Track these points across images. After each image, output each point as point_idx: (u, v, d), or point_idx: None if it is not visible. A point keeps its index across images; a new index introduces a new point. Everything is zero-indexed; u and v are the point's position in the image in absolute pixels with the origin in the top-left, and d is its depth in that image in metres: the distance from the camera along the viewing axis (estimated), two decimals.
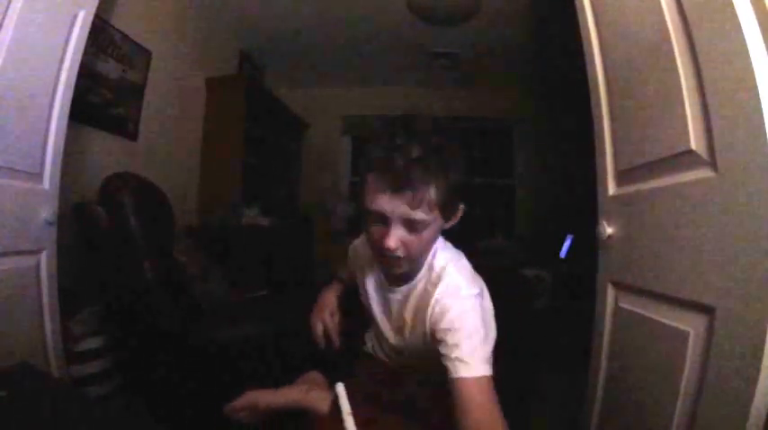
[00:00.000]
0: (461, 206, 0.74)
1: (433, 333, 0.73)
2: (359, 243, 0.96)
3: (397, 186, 0.63)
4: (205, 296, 1.78)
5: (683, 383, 0.69)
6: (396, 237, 0.67)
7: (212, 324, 1.53)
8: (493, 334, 0.72)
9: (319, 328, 0.93)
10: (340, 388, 0.78)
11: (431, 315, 0.74)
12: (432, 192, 0.64)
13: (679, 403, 0.69)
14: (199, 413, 1.22)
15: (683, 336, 0.69)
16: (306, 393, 0.81)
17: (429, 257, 0.79)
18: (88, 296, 1.51)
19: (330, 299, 1.00)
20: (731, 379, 0.59)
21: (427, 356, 0.75)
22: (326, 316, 0.95)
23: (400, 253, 0.69)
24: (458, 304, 0.71)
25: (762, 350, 0.54)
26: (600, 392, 0.99)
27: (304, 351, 0.98)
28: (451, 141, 0.68)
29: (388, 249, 0.67)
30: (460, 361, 0.65)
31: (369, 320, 0.96)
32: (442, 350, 0.68)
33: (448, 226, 0.75)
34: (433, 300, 0.74)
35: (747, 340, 0.57)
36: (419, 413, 0.83)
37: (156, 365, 1.42)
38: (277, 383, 0.87)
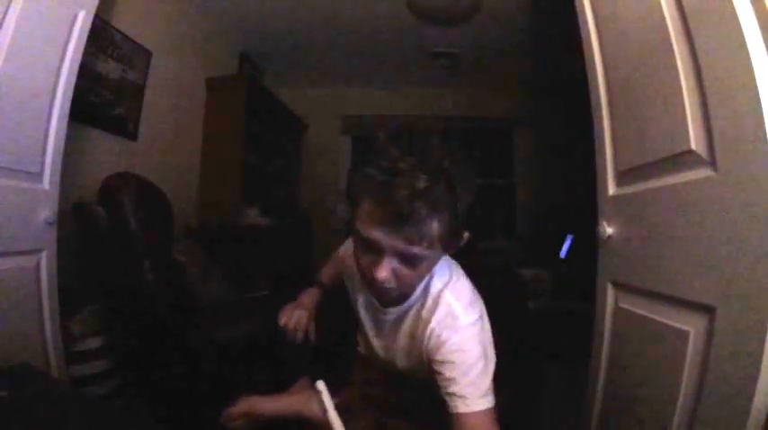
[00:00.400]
0: (466, 234, 0.66)
1: (429, 362, 0.68)
2: (346, 254, 0.88)
3: (398, 221, 0.55)
4: (205, 296, 1.78)
5: (683, 383, 0.69)
6: (388, 269, 0.60)
7: (212, 324, 1.53)
8: (492, 361, 0.67)
9: (292, 324, 0.89)
10: (321, 385, 0.74)
11: (426, 344, 0.68)
12: (435, 227, 0.56)
13: (679, 403, 0.69)
14: (198, 412, 1.22)
15: (683, 336, 0.69)
16: (306, 402, 0.79)
17: (427, 279, 0.72)
18: (88, 296, 1.51)
19: (308, 303, 0.96)
20: (731, 379, 0.59)
21: (425, 380, 0.72)
22: (303, 315, 0.92)
23: (391, 284, 0.62)
24: (455, 336, 0.65)
25: (762, 350, 0.54)
26: (600, 392, 0.99)
27: (302, 352, 0.97)
28: (463, 161, 0.60)
29: (379, 280, 0.61)
30: (458, 396, 0.62)
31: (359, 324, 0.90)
32: (439, 382, 0.65)
33: (450, 251, 0.68)
34: (428, 330, 0.68)
35: (747, 340, 0.57)
36: (426, 417, 0.82)
37: (155, 365, 1.42)
38: (276, 384, 0.86)
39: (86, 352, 1.44)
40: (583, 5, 1.03)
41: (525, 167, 3.85)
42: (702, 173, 0.67)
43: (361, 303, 0.85)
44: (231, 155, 2.68)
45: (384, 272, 0.60)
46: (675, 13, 0.72)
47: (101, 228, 1.38)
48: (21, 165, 1.13)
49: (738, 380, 0.58)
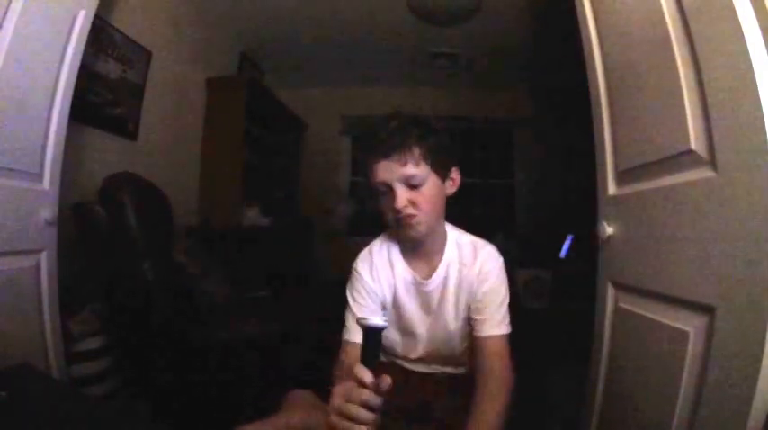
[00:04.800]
0: (455, 168, 0.83)
1: (469, 302, 0.84)
2: (365, 261, 0.90)
3: (387, 151, 0.74)
4: (205, 296, 1.78)
5: (683, 383, 0.69)
6: (402, 197, 0.74)
7: (212, 324, 1.53)
8: (507, 296, 0.85)
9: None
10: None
11: (475, 281, 0.84)
12: (416, 151, 0.74)
13: (679, 403, 0.69)
14: (198, 412, 1.22)
15: (683, 336, 0.69)
16: (308, 414, 0.76)
17: (451, 238, 0.87)
18: (88, 296, 1.51)
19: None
20: (731, 379, 0.59)
21: (455, 335, 0.86)
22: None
23: (411, 210, 0.76)
24: (496, 266, 0.85)
25: (762, 350, 0.54)
26: (600, 392, 0.99)
27: (303, 351, 0.97)
28: (430, 120, 0.80)
29: (399, 209, 0.74)
30: (489, 321, 0.80)
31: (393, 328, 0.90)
32: (475, 315, 0.82)
33: (450, 190, 0.83)
34: (476, 268, 0.84)
35: (747, 340, 0.57)
36: (435, 420, 0.82)
37: (155, 365, 1.42)
38: (276, 384, 0.86)
39: (86, 352, 1.44)
40: (583, 5, 1.03)
41: (525, 167, 3.85)
42: (702, 173, 0.67)
43: (401, 290, 0.88)
44: (231, 155, 2.68)
45: (400, 200, 0.74)
46: (675, 13, 0.72)
47: (101, 228, 1.38)
48: (21, 165, 1.13)
49: (738, 380, 0.57)
